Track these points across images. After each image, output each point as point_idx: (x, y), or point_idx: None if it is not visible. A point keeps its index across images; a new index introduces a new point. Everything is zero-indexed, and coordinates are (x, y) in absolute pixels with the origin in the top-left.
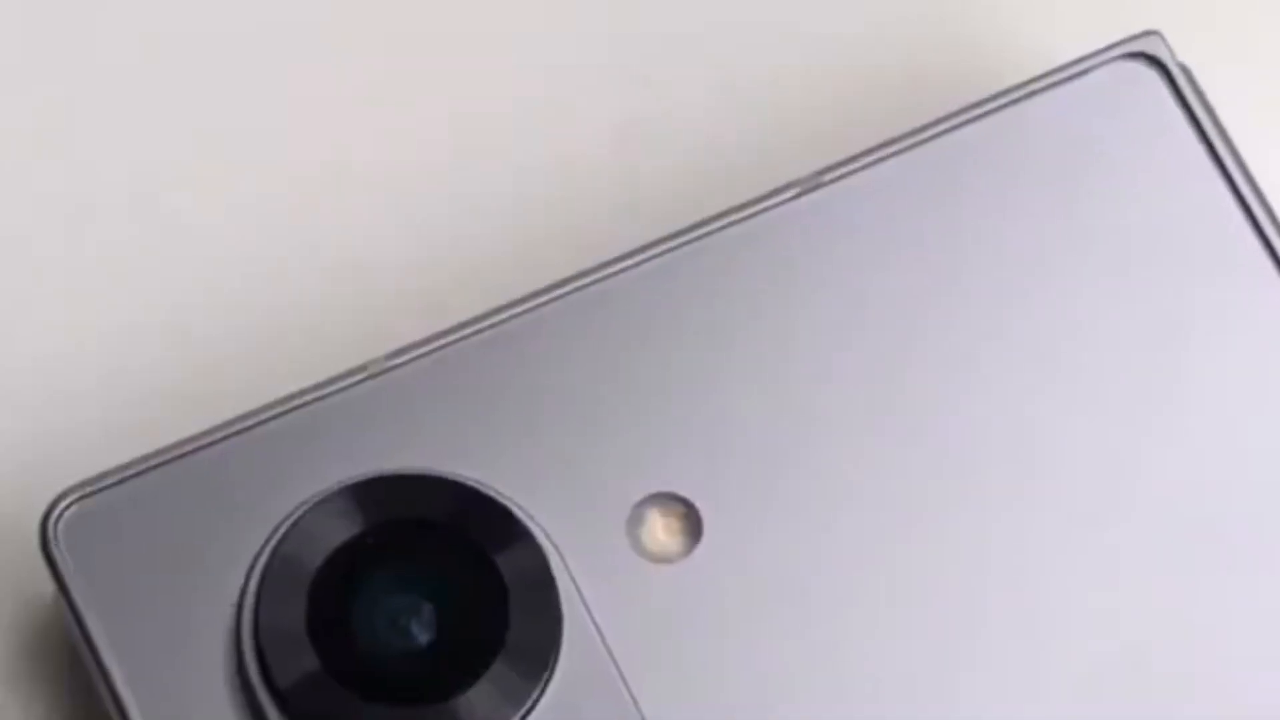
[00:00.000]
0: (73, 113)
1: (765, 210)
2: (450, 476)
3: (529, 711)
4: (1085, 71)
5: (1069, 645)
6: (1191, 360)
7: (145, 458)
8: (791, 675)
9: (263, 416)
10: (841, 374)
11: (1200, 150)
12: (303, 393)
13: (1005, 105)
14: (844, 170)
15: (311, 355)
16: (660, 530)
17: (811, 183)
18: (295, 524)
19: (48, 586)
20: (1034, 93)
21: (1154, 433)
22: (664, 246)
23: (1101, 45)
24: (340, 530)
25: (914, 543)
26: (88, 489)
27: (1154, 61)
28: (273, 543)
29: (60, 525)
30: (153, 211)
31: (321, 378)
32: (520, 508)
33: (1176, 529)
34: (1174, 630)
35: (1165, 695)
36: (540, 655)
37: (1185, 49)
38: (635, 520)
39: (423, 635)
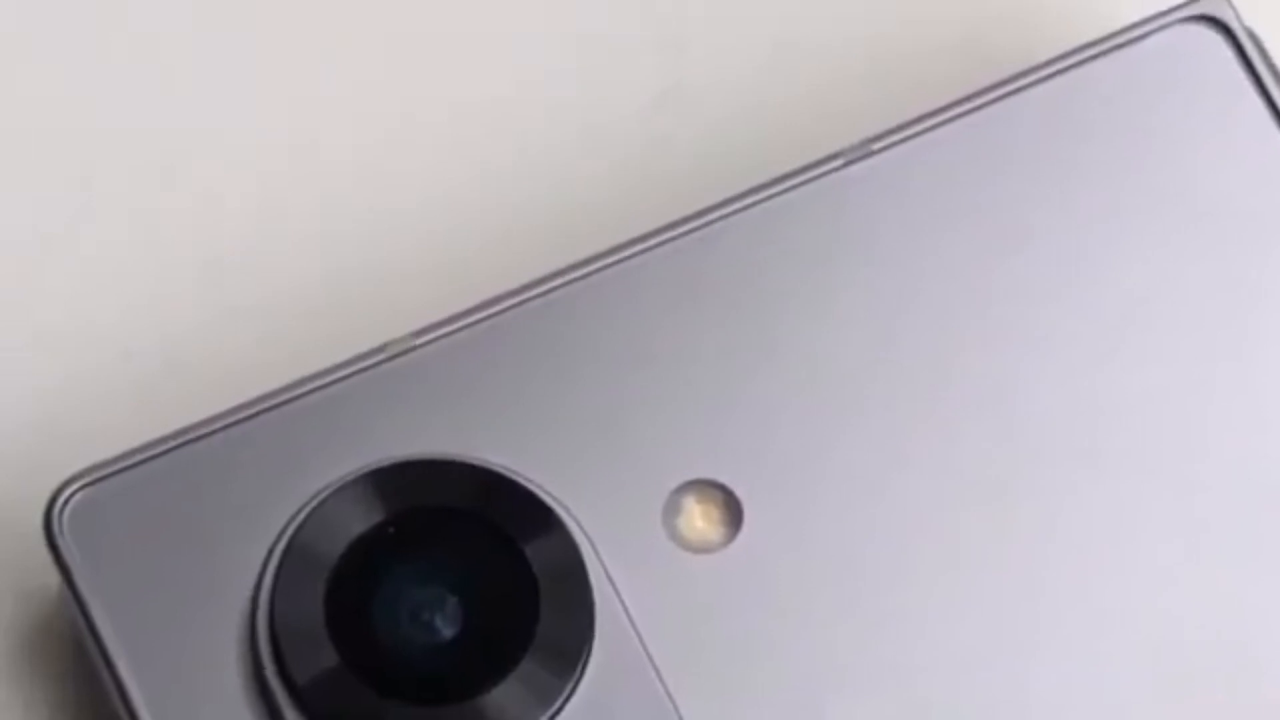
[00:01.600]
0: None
1: (810, 181)
2: (477, 462)
3: (559, 710)
4: (1148, 35)
5: (1138, 623)
6: (1260, 327)
7: (155, 442)
8: (839, 671)
9: (279, 399)
10: (892, 351)
11: (1267, 116)
12: (321, 374)
13: (1063, 70)
14: (893, 138)
15: (331, 336)
16: (698, 518)
17: (859, 151)
18: (313, 512)
19: (52, 578)
20: (1094, 57)
21: (1223, 401)
22: (703, 220)
23: (1165, 8)
24: (360, 519)
25: (971, 528)
26: (95, 475)
27: (1219, 25)
28: (289, 532)
29: (65, 513)
30: (160, 191)
31: (340, 358)
32: (551, 495)
33: (1249, 499)
34: (1246, 605)
35: (1236, 671)
36: (571, 651)
37: (1252, 13)
38: (672, 508)
39: (447, 630)
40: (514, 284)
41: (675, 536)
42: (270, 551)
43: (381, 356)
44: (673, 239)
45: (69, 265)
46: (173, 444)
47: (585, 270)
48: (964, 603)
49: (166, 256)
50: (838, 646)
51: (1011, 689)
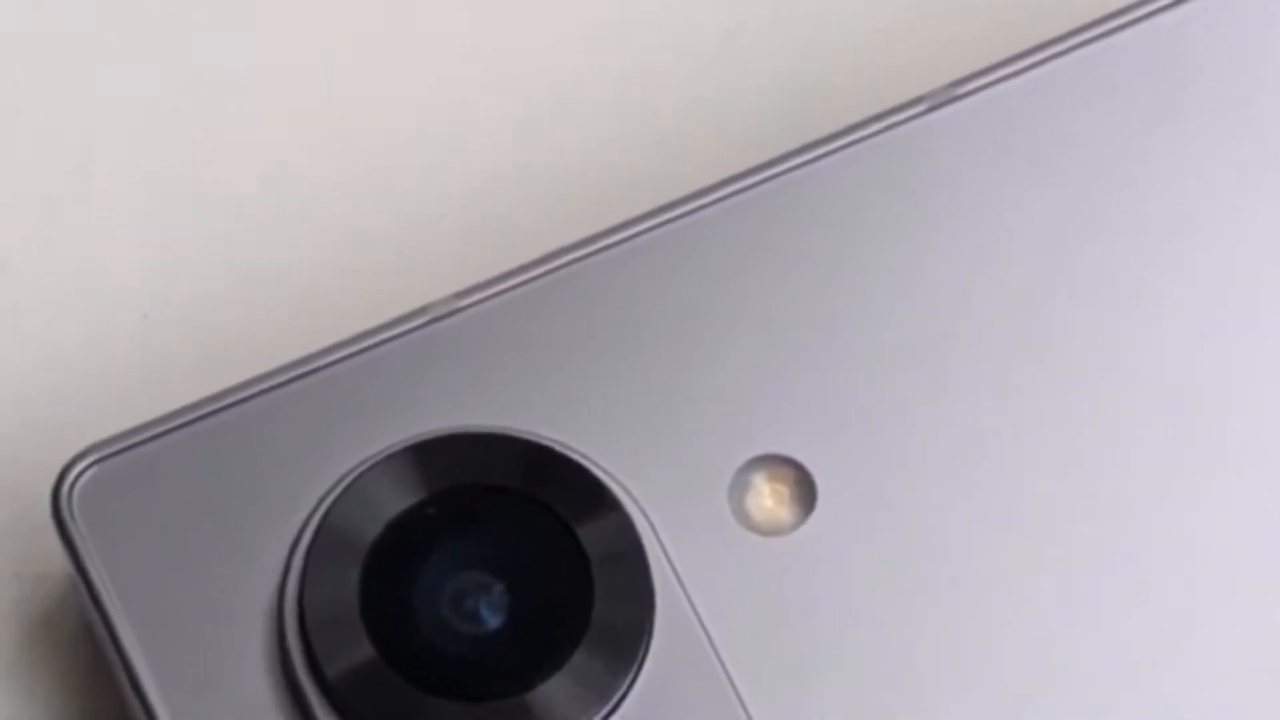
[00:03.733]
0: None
1: (890, 128)
2: (525, 435)
3: (615, 707)
4: None
5: (1258, 625)
6: None
7: (174, 414)
8: (920, 666)
9: (310, 367)
10: (980, 312)
11: None
12: (356, 339)
13: (1161, 9)
14: (980, 82)
15: (367, 297)
16: (768, 497)
17: (943, 96)
18: (347, 490)
19: (61, 562)
20: None
21: None
22: (771, 172)
23: None
24: (398, 498)
25: (1065, 511)
26: (109, 449)
27: None
28: (321, 512)
29: (75, 492)
30: (175, 142)
31: (377, 322)
32: (606, 471)
33: None
34: None
35: None
36: (629, 642)
37: None
38: (739, 487)
39: (493, 619)
40: (566, 241)
41: (742, 517)
42: (300, 534)
43: (422, 320)
44: (739, 192)
45: (78, 222)
46: (193, 416)
47: (644, 226)
48: (1062, 595)
49: (186, 211)
50: (919, 639)
51: (1112, 691)
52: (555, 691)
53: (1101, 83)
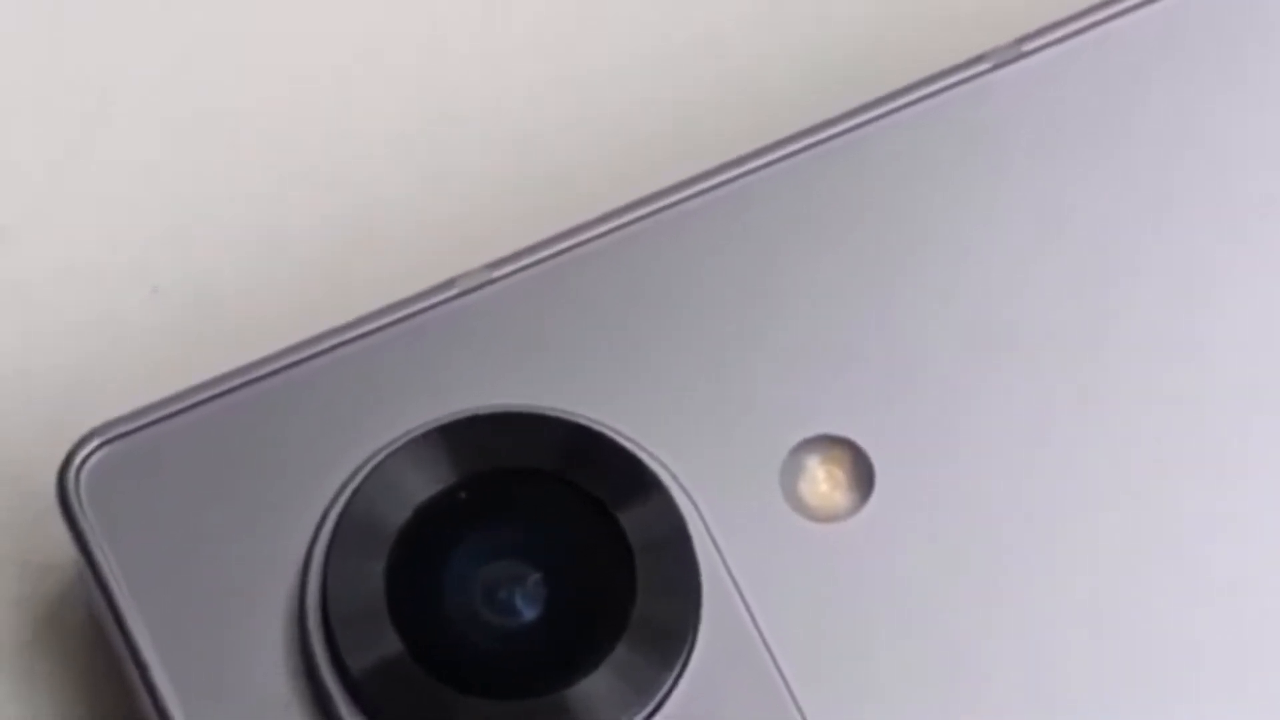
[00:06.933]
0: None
1: (952, 87)
2: (562, 415)
3: (659, 705)
4: None
5: None
6: None
7: (187, 392)
8: (981, 660)
9: (332, 342)
10: (1044, 287)
11: None
12: (381, 313)
13: None
14: (1048, 39)
15: (393, 269)
16: (822, 481)
17: (1009, 54)
18: (372, 474)
19: (68, 551)
20: None
21: None
22: (826, 132)
23: None
24: (427, 482)
25: (1136, 496)
26: (117, 431)
27: None
28: (344, 497)
29: (83, 476)
30: (186, 105)
31: (405, 294)
32: (650, 454)
33: None
34: None
35: None
36: (674, 636)
37: None
38: (792, 469)
39: (528, 611)
40: (606, 209)
41: (795, 502)
42: (322, 520)
43: (451, 293)
44: (789, 156)
45: (84, 191)
46: (207, 395)
47: (688, 193)
48: (1131, 585)
49: (197, 178)
50: (982, 631)
51: (1181, 684)
52: (594, 689)
53: (1179, 40)
